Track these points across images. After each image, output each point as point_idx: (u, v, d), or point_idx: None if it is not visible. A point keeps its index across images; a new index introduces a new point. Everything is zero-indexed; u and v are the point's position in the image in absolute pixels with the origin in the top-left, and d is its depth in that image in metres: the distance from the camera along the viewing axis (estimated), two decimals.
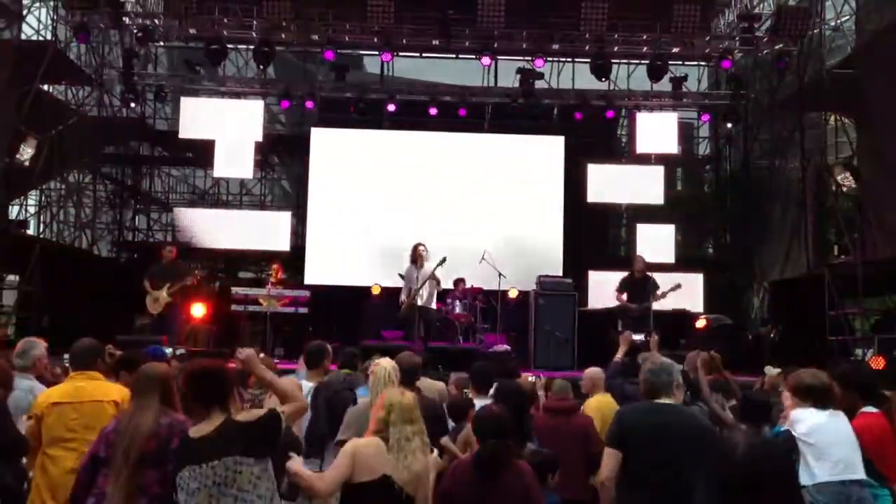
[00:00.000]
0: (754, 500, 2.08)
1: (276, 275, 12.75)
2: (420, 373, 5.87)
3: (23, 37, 14.34)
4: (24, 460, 4.74)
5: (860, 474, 4.17)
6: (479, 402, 5.55)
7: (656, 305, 12.18)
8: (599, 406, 6.27)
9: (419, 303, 11.38)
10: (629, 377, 6.50)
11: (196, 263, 16.45)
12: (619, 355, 6.43)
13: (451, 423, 5.43)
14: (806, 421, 4.24)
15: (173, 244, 13.34)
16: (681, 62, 16.99)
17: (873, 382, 4.98)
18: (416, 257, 11.51)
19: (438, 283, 11.63)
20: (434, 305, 11.87)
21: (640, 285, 12.14)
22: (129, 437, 3.83)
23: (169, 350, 8.74)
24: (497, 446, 3.91)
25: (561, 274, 14.64)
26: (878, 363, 11.10)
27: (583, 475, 5.36)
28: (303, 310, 12.57)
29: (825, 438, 4.16)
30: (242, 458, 3.55)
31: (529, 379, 7.10)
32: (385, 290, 14.52)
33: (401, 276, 12.28)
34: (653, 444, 4.00)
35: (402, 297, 11.74)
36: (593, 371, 6.71)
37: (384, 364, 4.80)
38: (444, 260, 11.51)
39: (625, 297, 12.17)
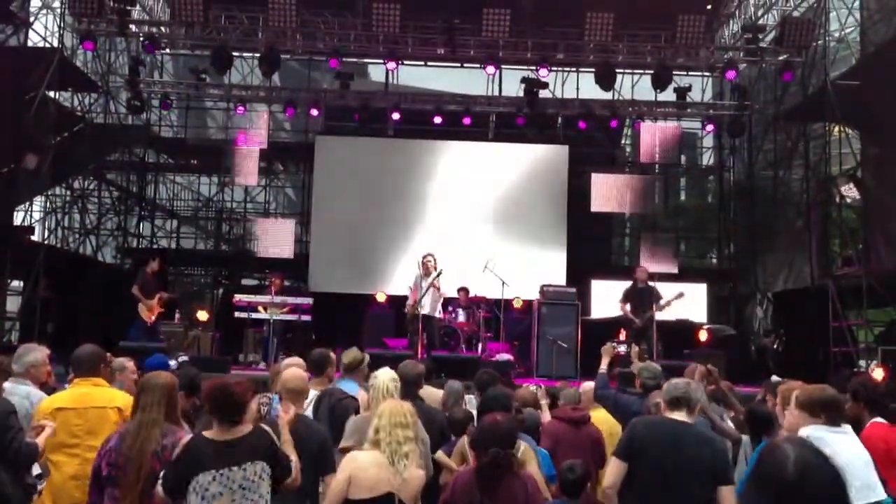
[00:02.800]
0: None
1: (276, 288, 12.74)
2: (423, 381, 5.86)
3: (29, 44, 14.43)
4: (40, 473, 4.68)
5: (882, 495, 4.07)
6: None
7: (660, 315, 12.19)
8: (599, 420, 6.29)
9: (423, 312, 11.43)
10: (626, 386, 6.50)
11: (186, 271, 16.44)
12: (602, 367, 6.45)
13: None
14: (819, 439, 4.08)
15: (157, 255, 13.46)
16: (685, 72, 17.00)
17: (883, 396, 4.94)
18: (424, 267, 11.61)
19: (439, 291, 11.67)
20: (439, 315, 11.90)
21: (642, 295, 12.15)
22: (137, 458, 3.82)
23: (173, 362, 8.69)
24: (499, 455, 3.90)
25: (564, 283, 14.63)
26: (880, 374, 11.07)
27: (595, 485, 5.36)
28: (306, 317, 12.56)
29: (845, 458, 3.99)
30: (266, 468, 3.65)
31: (531, 389, 7.09)
32: (389, 297, 14.56)
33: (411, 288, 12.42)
34: (663, 460, 3.96)
35: (408, 303, 11.88)
36: (589, 386, 6.70)
37: (382, 377, 4.80)
38: (439, 273, 11.60)
39: (628, 307, 12.19)
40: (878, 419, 4.72)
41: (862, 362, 13.02)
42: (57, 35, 14.89)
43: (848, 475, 3.89)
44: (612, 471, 4.09)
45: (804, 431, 4.12)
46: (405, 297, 12.55)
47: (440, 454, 5.13)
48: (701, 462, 3.98)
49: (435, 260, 11.68)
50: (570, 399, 6.20)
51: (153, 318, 12.07)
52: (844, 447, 4.04)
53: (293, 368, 4.98)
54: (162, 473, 3.68)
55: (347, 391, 5.65)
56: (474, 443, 4.04)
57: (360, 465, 3.73)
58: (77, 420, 4.55)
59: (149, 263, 12.45)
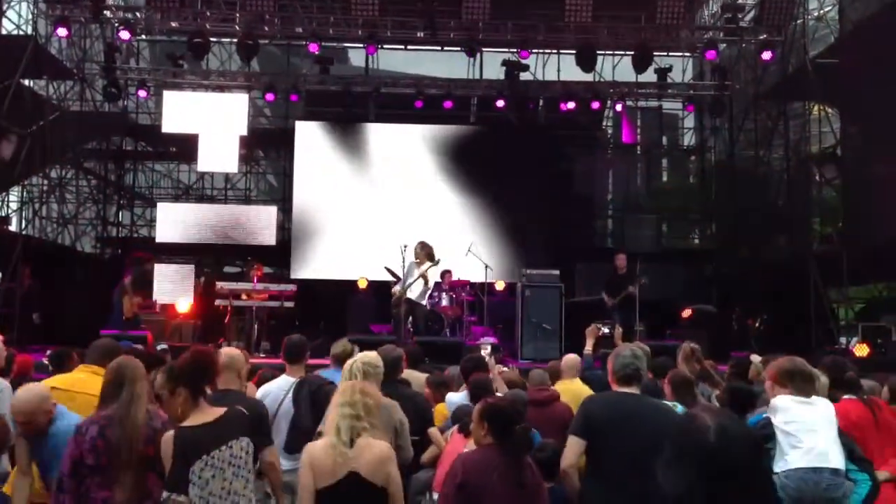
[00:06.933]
0: (727, 486, 2.10)
1: (257, 273, 12.69)
2: (403, 365, 5.85)
3: (3, 31, 14.21)
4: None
5: (836, 464, 4.19)
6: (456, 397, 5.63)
7: (642, 296, 12.29)
8: (568, 389, 6.26)
9: (409, 296, 11.42)
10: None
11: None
12: (587, 348, 6.47)
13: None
14: (784, 408, 4.28)
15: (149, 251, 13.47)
16: (665, 53, 16.99)
17: (843, 371, 5.05)
18: (418, 255, 11.52)
19: (426, 282, 11.60)
20: (425, 303, 11.86)
21: (621, 282, 12.29)
22: (130, 440, 3.71)
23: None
24: (525, 430, 3.88)
25: (547, 266, 14.65)
26: (861, 351, 11.20)
27: None
28: (289, 304, 12.50)
29: (802, 426, 4.19)
30: (251, 443, 3.73)
31: (504, 369, 7.10)
32: (371, 283, 14.52)
33: (387, 269, 12.35)
34: (620, 434, 3.97)
35: (396, 288, 11.84)
36: (570, 358, 6.70)
37: (355, 360, 4.77)
38: (436, 262, 11.53)
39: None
40: (848, 396, 4.86)
41: (843, 339, 13.16)
42: (30, 22, 14.68)
43: (795, 440, 4.14)
44: (571, 449, 4.06)
45: (774, 401, 4.28)
46: (388, 283, 12.53)
47: (434, 430, 5.16)
48: (661, 430, 3.98)
49: (430, 249, 11.52)
50: (537, 381, 6.18)
51: (135, 310, 12.10)
52: (804, 416, 4.19)
53: (227, 348, 5.05)
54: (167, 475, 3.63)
55: (336, 381, 5.63)
56: (491, 422, 3.91)
57: (316, 454, 3.69)
58: (67, 403, 4.53)
59: (149, 262, 12.43)
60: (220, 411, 3.75)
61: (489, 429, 3.84)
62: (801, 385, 4.35)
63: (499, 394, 5.53)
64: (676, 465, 2.16)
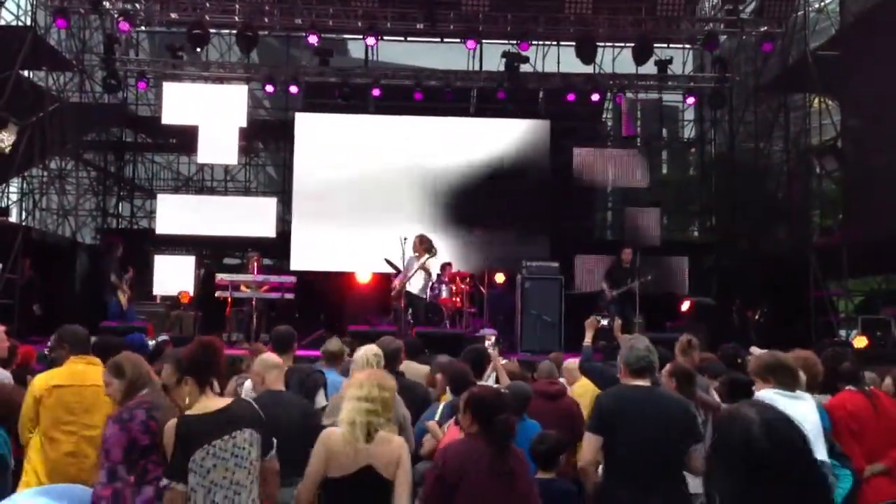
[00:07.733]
0: (776, 478, 2.04)
1: (256, 263, 12.70)
2: (402, 356, 5.86)
3: (2, 23, 14.16)
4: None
5: (822, 456, 4.22)
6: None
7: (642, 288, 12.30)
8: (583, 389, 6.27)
9: (409, 289, 11.43)
10: (607, 360, 6.51)
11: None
12: (587, 340, 6.46)
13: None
14: (769, 401, 4.29)
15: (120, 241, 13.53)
16: (666, 45, 16.95)
17: (841, 363, 5.08)
18: (417, 247, 11.54)
19: (429, 274, 11.63)
20: (425, 295, 11.87)
21: (623, 275, 12.30)
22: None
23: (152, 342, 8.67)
24: (509, 420, 3.89)
25: (547, 258, 14.65)
26: (860, 343, 11.21)
27: (572, 458, 5.37)
28: (289, 296, 12.50)
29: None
30: (255, 434, 3.68)
31: (503, 361, 7.10)
32: (371, 275, 14.52)
33: (387, 261, 12.36)
34: (632, 426, 3.97)
35: (396, 281, 11.85)
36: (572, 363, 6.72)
37: (364, 350, 4.80)
38: (432, 255, 11.55)
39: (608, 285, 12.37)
40: (849, 387, 4.87)
41: (842, 332, 13.16)
42: (30, 13, 14.64)
43: None
44: (588, 446, 4.07)
45: (757, 394, 4.29)
46: (388, 275, 12.53)
47: (432, 423, 5.16)
48: (673, 423, 4.01)
49: (429, 242, 11.56)
50: (546, 373, 6.18)
51: (127, 304, 12.23)
52: (795, 411, 4.21)
53: (266, 353, 5.09)
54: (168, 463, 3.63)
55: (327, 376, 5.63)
56: (474, 411, 3.93)
57: (333, 442, 3.71)
58: (73, 398, 4.55)
59: (117, 249, 12.50)
60: (225, 401, 3.73)
61: (473, 418, 3.87)
62: (783, 379, 4.36)
63: (501, 385, 5.54)
64: (721, 466, 2.10)
